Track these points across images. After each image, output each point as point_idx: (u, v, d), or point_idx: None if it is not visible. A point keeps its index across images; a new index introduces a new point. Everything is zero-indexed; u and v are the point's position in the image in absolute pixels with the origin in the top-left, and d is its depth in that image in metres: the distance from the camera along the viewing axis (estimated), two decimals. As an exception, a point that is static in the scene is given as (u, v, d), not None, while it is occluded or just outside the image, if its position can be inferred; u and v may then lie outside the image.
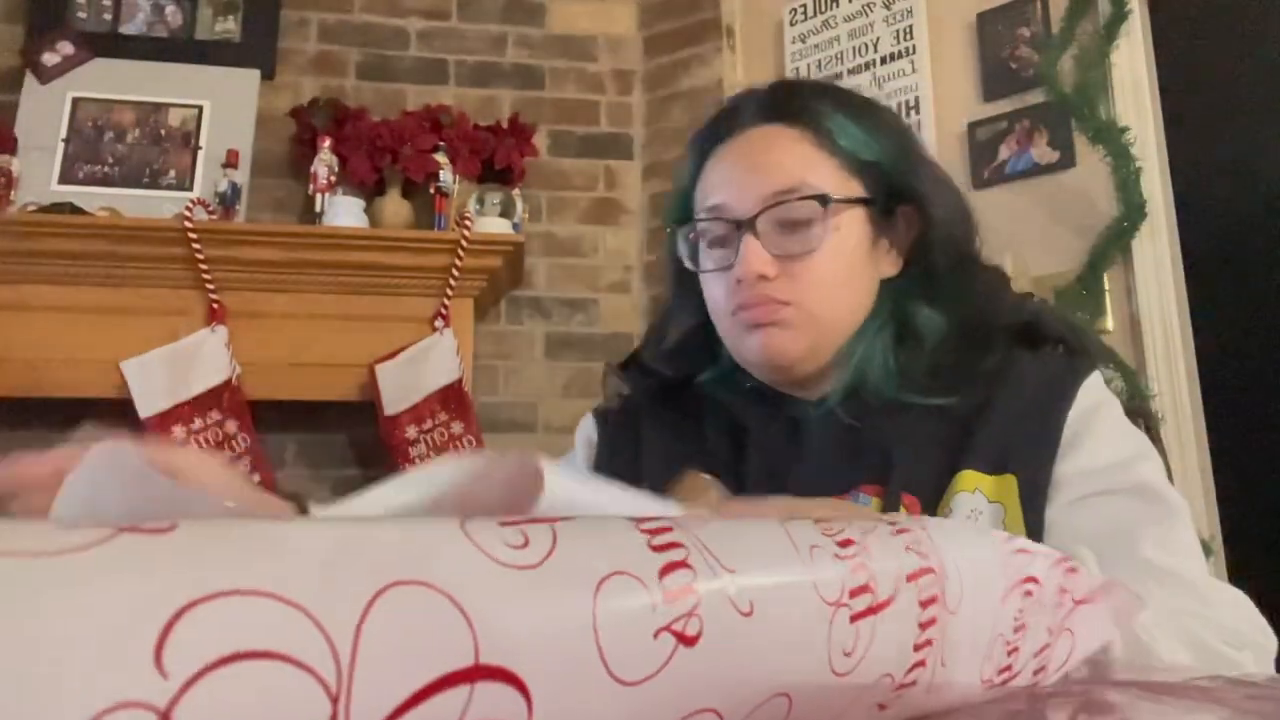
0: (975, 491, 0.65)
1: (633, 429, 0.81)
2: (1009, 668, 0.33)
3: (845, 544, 0.26)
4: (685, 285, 0.79)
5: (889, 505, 0.66)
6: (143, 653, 0.12)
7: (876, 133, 0.73)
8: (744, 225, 0.69)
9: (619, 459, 0.80)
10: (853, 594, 0.25)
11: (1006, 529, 0.64)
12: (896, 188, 0.72)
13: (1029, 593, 0.33)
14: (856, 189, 0.71)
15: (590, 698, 0.18)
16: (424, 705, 0.15)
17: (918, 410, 0.68)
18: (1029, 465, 0.65)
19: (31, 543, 0.13)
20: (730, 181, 0.71)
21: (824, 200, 0.69)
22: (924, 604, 0.28)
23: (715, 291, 0.73)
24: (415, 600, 0.15)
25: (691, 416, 0.78)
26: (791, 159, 0.70)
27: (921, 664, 0.27)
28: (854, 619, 0.25)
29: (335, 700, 0.13)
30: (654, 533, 0.21)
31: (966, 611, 0.30)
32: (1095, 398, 0.68)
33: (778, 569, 0.24)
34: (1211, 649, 0.55)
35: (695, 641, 0.20)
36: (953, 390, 0.68)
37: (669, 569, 0.20)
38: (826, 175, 0.70)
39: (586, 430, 0.84)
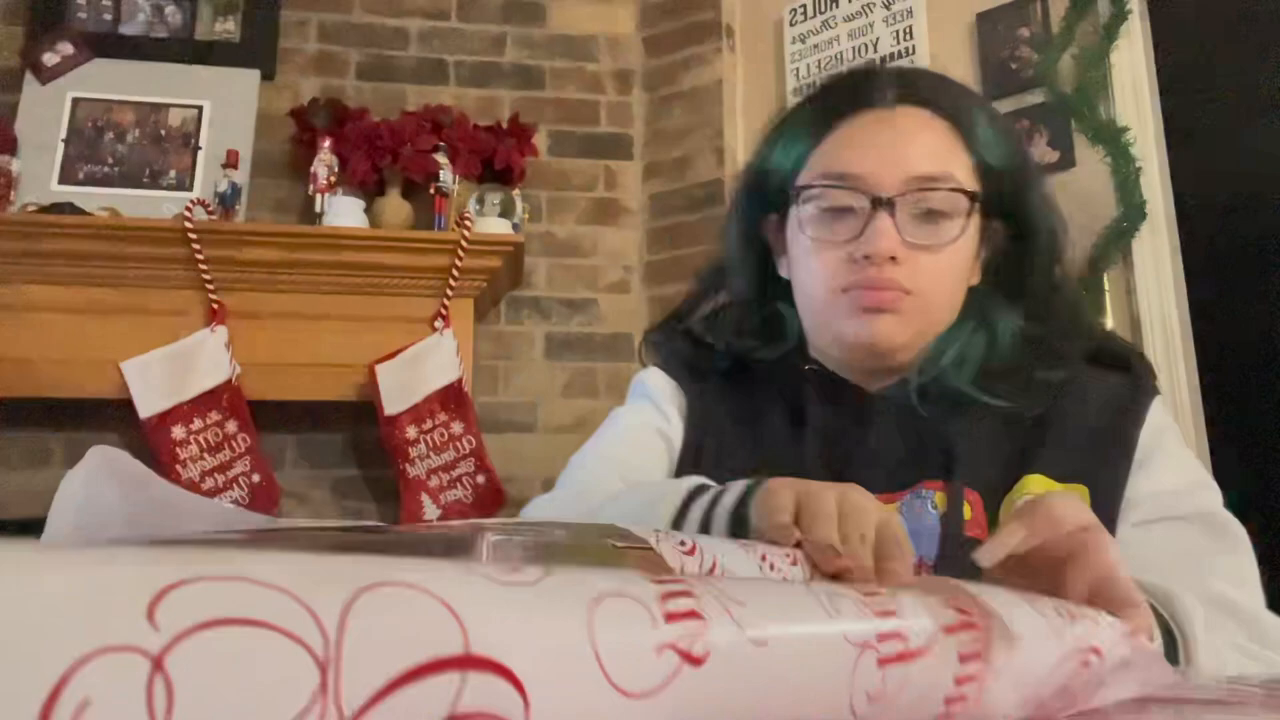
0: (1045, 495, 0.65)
1: (700, 387, 0.78)
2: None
3: (870, 595, 0.25)
4: (751, 249, 0.76)
5: (953, 500, 0.66)
6: (136, 609, 0.12)
7: (1004, 139, 0.72)
8: (883, 202, 0.66)
9: (695, 424, 0.76)
10: (881, 638, 0.24)
11: None
12: (1004, 199, 0.71)
13: (1086, 663, 0.32)
14: (969, 181, 0.70)
15: (592, 706, 0.17)
16: (414, 686, 0.14)
17: (981, 411, 0.68)
18: (1102, 478, 0.65)
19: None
20: (871, 154, 0.68)
21: (973, 198, 0.68)
22: (964, 658, 0.26)
23: (820, 263, 0.69)
24: (402, 596, 0.15)
25: (749, 391, 0.76)
26: (941, 148, 0.69)
27: (948, 718, 0.26)
28: (882, 663, 0.24)
29: (324, 668, 0.13)
30: (662, 582, 0.20)
31: (1010, 676, 0.28)
32: (1164, 419, 0.69)
33: (791, 605, 0.23)
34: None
35: (702, 662, 0.19)
36: (1020, 396, 0.68)
37: (670, 597, 0.20)
38: (965, 173, 0.69)
39: (659, 385, 0.79)
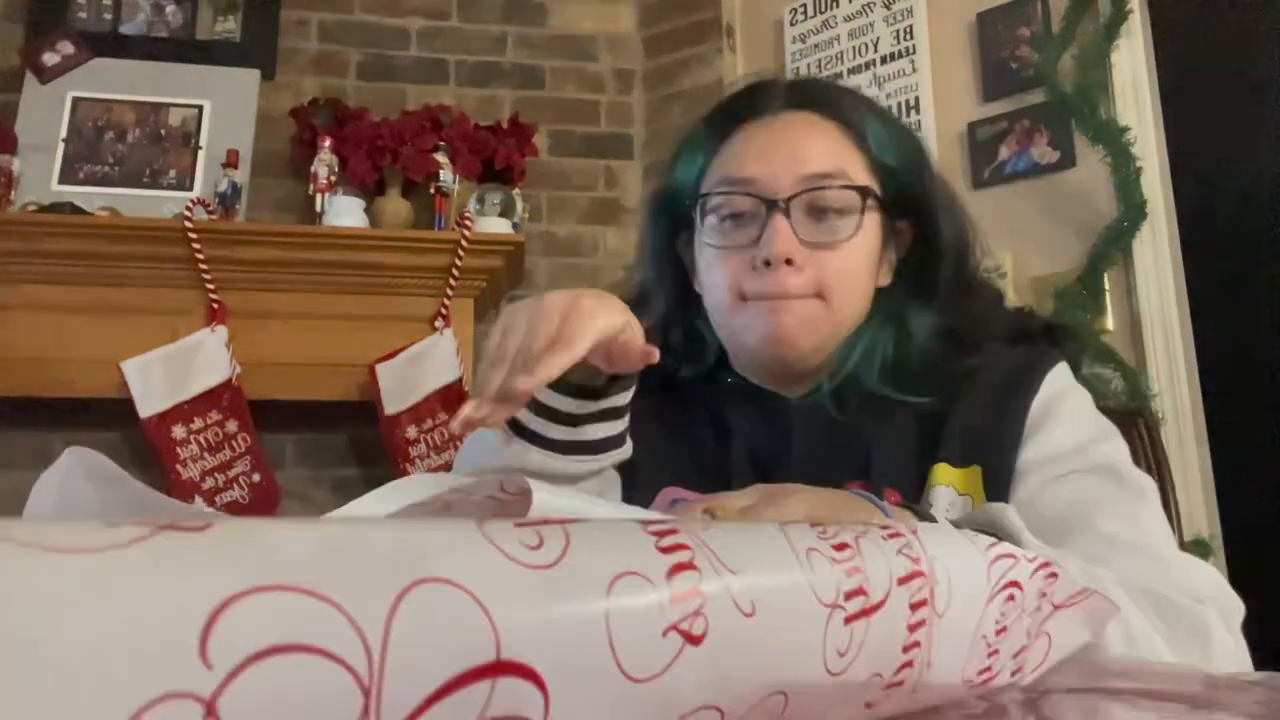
0: (948, 486, 0.66)
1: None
2: (989, 669, 0.34)
3: (840, 548, 0.27)
4: (665, 270, 0.77)
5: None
6: (187, 646, 0.12)
7: (899, 139, 0.73)
8: (776, 205, 0.67)
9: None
10: (848, 596, 0.25)
11: None
12: (906, 199, 0.72)
13: (1011, 598, 0.33)
14: (867, 180, 0.70)
15: (603, 694, 0.18)
16: (450, 698, 0.15)
17: (894, 407, 0.69)
18: (992, 455, 0.65)
19: (76, 539, 0.13)
20: (764, 158, 0.69)
21: (865, 192, 0.68)
22: (914, 607, 0.28)
23: (724, 272, 0.70)
24: (439, 597, 0.16)
25: (678, 407, 0.76)
26: (831, 147, 0.69)
27: (909, 664, 0.28)
28: (848, 620, 0.25)
29: (368, 693, 0.14)
30: (661, 534, 0.22)
31: (953, 614, 0.30)
32: (1059, 386, 0.68)
33: (778, 571, 0.24)
34: (1173, 602, 0.55)
35: (701, 640, 0.20)
36: (935, 392, 0.68)
37: (676, 570, 0.21)
38: (859, 170, 0.70)
39: None
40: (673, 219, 0.77)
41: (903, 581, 0.28)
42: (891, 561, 0.28)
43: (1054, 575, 0.36)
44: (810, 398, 0.72)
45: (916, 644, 0.28)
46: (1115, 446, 0.66)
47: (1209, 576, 0.60)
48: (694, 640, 0.20)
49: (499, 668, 0.16)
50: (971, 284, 0.74)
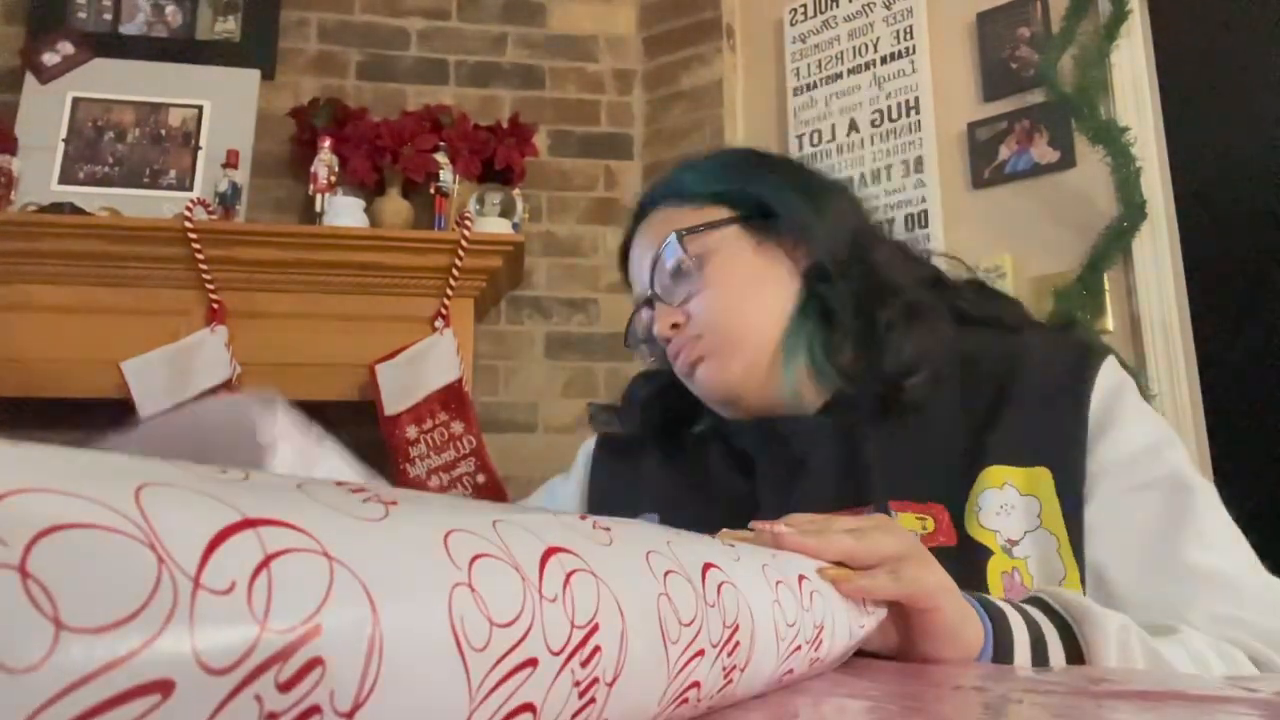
0: (1004, 486, 0.65)
1: (632, 460, 0.83)
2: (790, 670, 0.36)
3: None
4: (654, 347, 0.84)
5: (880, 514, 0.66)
6: None
7: (714, 163, 0.81)
8: (644, 301, 0.77)
9: (616, 486, 0.82)
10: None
11: (1042, 523, 0.64)
12: (760, 200, 0.75)
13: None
14: (717, 214, 0.75)
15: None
16: (224, 546, 0.15)
17: (921, 419, 0.68)
18: (1060, 458, 0.65)
19: None
20: (633, 274, 0.81)
21: (678, 236, 0.74)
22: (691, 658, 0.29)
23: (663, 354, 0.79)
24: (179, 496, 0.16)
25: (695, 452, 0.80)
26: (657, 230, 0.77)
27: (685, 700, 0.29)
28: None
29: (154, 550, 0.14)
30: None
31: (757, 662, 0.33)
32: (1115, 381, 0.68)
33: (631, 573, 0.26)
34: (1257, 656, 0.56)
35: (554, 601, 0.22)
36: (873, 365, 0.69)
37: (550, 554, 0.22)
38: (687, 220, 0.76)
39: (587, 450, 0.88)
40: None
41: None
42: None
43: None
44: (802, 422, 0.73)
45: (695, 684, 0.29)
46: (1180, 452, 0.66)
47: None
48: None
49: (249, 523, 0.16)
50: (858, 252, 0.75)
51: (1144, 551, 0.61)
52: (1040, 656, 0.51)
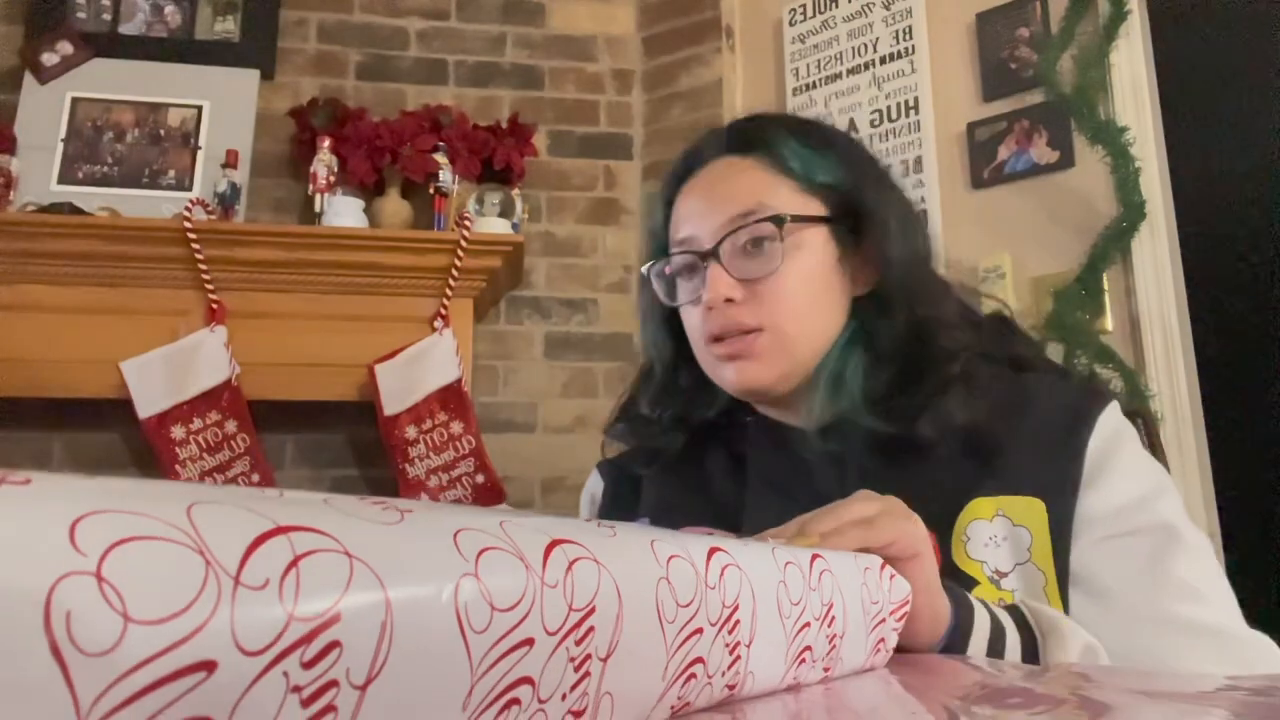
0: (995, 519, 0.64)
1: (631, 475, 0.82)
2: (808, 648, 0.38)
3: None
4: (663, 326, 0.81)
5: None
6: (60, 541, 0.15)
7: (829, 154, 0.74)
8: (708, 254, 0.71)
9: (620, 505, 0.81)
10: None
11: (1032, 556, 0.63)
12: (856, 208, 0.73)
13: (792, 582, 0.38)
14: (816, 208, 0.72)
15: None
16: (262, 548, 0.18)
17: (914, 439, 0.67)
18: (1053, 495, 0.64)
19: None
20: (694, 214, 0.74)
21: (779, 220, 0.70)
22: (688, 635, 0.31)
23: (691, 323, 0.75)
24: (231, 512, 0.18)
25: (690, 457, 0.79)
26: (747, 185, 0.72)
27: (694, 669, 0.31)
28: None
29: (204, 556, 0.17)
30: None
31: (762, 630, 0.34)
32: (1114, 427, 0.67)
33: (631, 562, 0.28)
34: None
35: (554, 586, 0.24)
36: (910, 415, 0.67)
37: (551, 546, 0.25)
38: (784, 197, 0.72)
39: (591, 487, 0.87)
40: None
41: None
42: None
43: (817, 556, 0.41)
44: (822, 432, 0.72)
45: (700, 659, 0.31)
46: (1172, 503, 0.66)
47: (1271, 654, 0.60)
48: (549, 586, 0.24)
49: (279, 529, 0.18)
50: (928, 285, 0.74)
51: (1127, 603, 0.60)
52: (996, 651, 0.53)
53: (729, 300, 0.70)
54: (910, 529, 0.51)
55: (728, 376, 0.72)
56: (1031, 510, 0.64)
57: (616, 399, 0.88)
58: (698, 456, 0.79)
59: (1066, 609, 0.62)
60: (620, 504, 0.82)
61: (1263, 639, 0.61)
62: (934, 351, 0.69)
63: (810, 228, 0.71)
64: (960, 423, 0.66)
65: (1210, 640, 0.59)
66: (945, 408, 0.67)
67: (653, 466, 0.81)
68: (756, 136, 0.75)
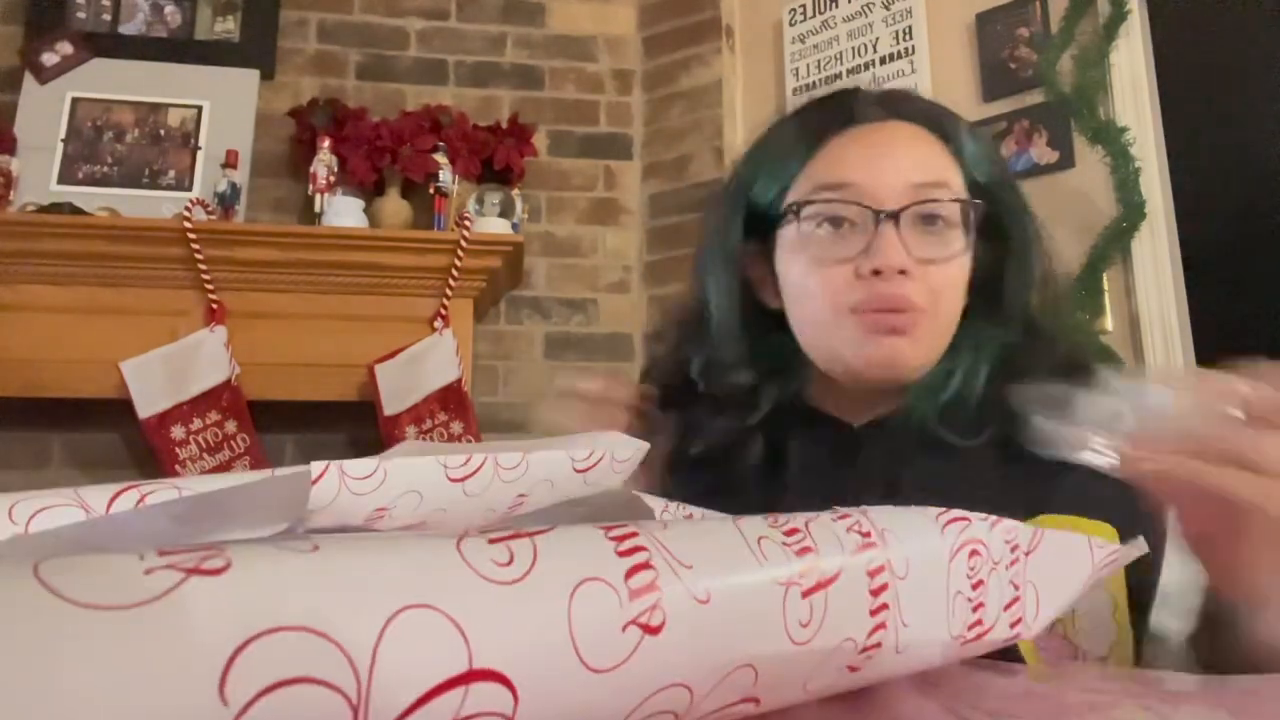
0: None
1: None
2: (979, 622, 0.35)
3: (791, 532, 0.30)
4: (733, 280, 0.71)
5: None
6: (208, 686, 0.15)
7: (990, 156, 0.70)
8: (887, 214, 0.63)
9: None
10: (802, 573, 0.28)
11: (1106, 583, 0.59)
12: (996, 217, 0.68)
13: (975, 553, 0.36)
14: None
15: (568, 685, 0.21)
16: (427, 706, 0.18)
17: (976, 452, 0.63)
18: (1123, 518, 0.60)
19: (108, 592, 0.16)
20: (869, 166, 0.65)
21: (973, 207, 0.65)
22: (871, 573, 0.31)
23: (822, 283, 0.65)
24: (419, 620, 0.19)
25: (719, 455, 0.71)
26: (936, 158, 0.66)
27: (882, 626, 0.31)
28: (805, 594, 0.28)
29: (355, 710, 0.17)
30: (620, 539, 0.25)
31: (916, 576, 0.32)
32: None
33: (729, 559, 0.27)
34: None
35: (660, 630, 0.23)
36: (985, 429, 0.63)
37: (634, 571, 0.24)
38: (958, 184, 0.67)
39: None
40: (749, 226, 0.71)
41: (856, 553, 0.31)
42: (842, 538, 0.31)
43: (1012, 529, 0.39)
44: (875, 427, 0.68)
45: (884, 606, 0.31)
46: None
47: None
48: (652, 631, 0.23)
49: (471, 675, 0.19)
50: (1049, 308, 0.70)
51: None
52: None
53: (902, 272, 0.62)
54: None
55: (872, 351, 0.63)
56: (1100, 534, 0.59)
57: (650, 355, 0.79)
58: (725, 455, 0.70)
59: (1138, 636, 0.59)
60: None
61: None
62: (1036, 366, 0.63)
63: (970, 223, 0.66)
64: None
65: None
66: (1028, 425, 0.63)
67: (714, 446, 0.70)
68: (931, 113, 0.69)
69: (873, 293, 0.63)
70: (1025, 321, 0.68)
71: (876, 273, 0.62)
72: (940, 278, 0.64)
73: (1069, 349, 0.70)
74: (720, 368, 0.71)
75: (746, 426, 0.69)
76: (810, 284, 0.66)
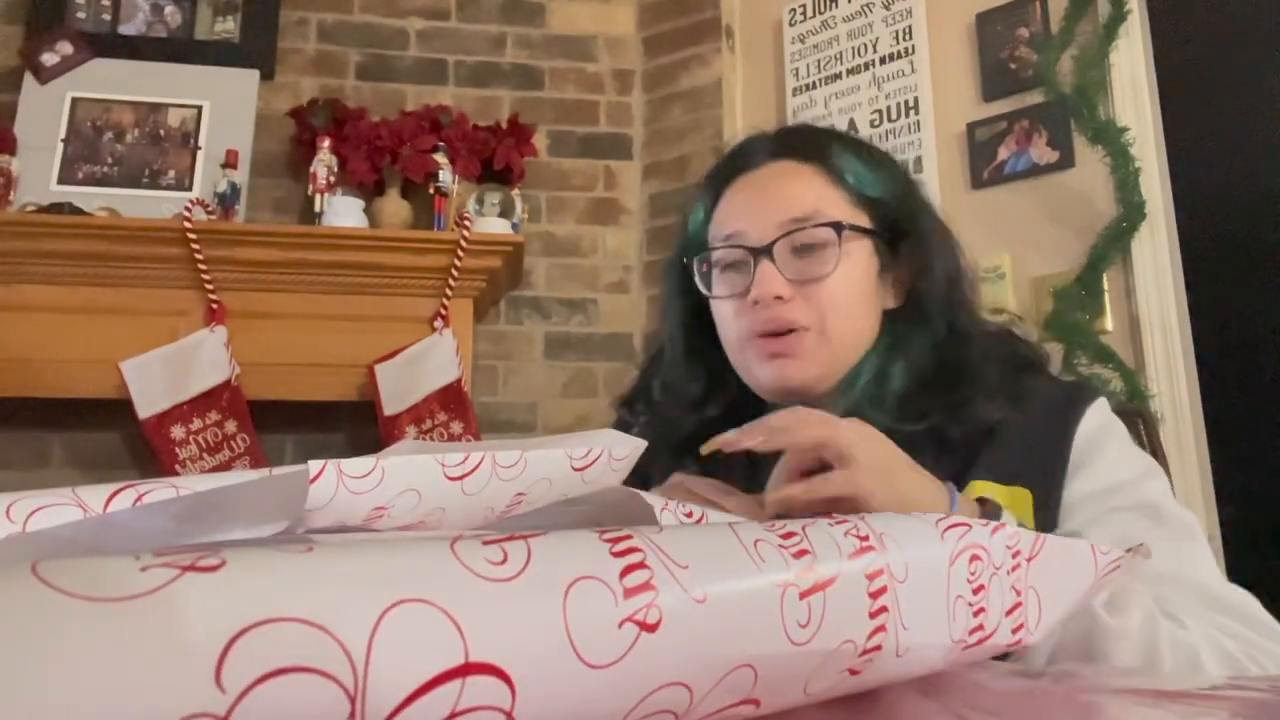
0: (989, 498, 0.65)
1: (641, 469, 0.80)
2: (980, 627, 0.35)
3: (787, 536, 0.30)
4: (687, 320, 0.82)
5: None
6: (205, 673, 0.15)
7: (879, 171, 0.78)
8: (761, 251, 0.73)
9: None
10: (799, 575, 0.28)
11: None
12: (899, 224, 0.76)
13: (976, 557, 0.36)
14: (864, 221, 0.76)
15: (565, 680, 0.21)
16: (425, 698, 0.18)
17: (915, 436, 0.68)
18: (1038, 482, 0.66)
19: (105, 587, 0.16)
20: (747, 211, 0.75)
21: (838, 227, 0.73)
22: (870, 577, 0.31)
23: (729, 316, 0.76)
24: (413, 614, 0.19)
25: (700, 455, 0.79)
26: (806, 190, 0.75)
27: (882, 629, 0.30)
28: (803, 595, 0.28)
29: (353, 700, 0.17)
30: (615, 540, 0.25)
31: (916, 580, 0.32)
32: (1101, 420, 0.70)
33: (725, 561, 0.27)
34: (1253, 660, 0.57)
35: (656, 628, 0.23)
36: (925, 417, 0.69)
37: (629, 570, 0.24)
38: (838, 207, 0.75)
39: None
40: (688, 275, 0.82)
41: (854, 556, 0.31)
42: (840, 542, 0.31)
43: (1014, 535, 0.39)
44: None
45: (884, 609, 0.31)
46: (1159, 485, 0.67)
47: (1259, 611, 0.61)
48: (649, 628, 0.23)
49: (468, 668, 0.19)
50: (961, 303, 0.77)
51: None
52: None
53: (778, 298, 0.72)
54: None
55: (766, 374, 0.73)
56: (1019, 498, 0.66)
57: (628, 384, 0.89)
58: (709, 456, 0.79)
59: None
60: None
61: (1240, 592, 0.62)
62: (965, 359, 0.72)
63: (860, 238, 0.74)
64: (990, 425, 0.69)
65: (1190, 591, 0.60)
66: (977, 413, 0.69)
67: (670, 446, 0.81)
68: (813, 145, 0.78)
69: (758, 319, 0.73)
70: (947, 317, 0.75)
71: (757, 302, 0.72)
72: (824, 296, 0.73)
73: (1009, 341, 0.78)
74: (674, 382, 0.83)
75: (710, 418, 0.78)
76: (721, 318, 0.78)
